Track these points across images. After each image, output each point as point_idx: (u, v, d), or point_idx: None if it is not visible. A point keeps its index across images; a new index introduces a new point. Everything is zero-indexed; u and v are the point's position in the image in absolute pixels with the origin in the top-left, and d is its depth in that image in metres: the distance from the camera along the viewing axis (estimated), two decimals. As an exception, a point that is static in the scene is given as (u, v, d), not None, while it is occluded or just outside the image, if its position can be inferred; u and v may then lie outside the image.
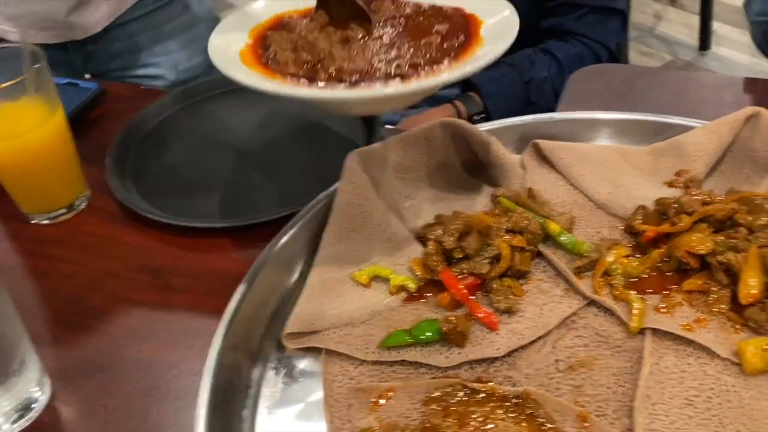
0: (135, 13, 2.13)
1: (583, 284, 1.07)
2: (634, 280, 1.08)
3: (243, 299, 1.05)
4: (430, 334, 1.03)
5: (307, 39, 1.10)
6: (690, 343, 1.00)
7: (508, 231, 1.11)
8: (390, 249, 1.15)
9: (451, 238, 1.10)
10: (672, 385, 0.96)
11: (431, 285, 1.11)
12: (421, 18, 1.18)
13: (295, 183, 1.33)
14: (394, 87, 1.02)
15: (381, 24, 1.15)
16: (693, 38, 4.78)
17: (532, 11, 2.01)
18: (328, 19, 1.15)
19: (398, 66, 1.06)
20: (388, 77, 1.03)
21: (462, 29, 1.14)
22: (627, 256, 1.10)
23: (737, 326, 1.02)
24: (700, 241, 1.05)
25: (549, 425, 0.93)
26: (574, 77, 1.68)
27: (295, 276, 1.15)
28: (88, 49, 2.15)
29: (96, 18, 2.07)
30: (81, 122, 1.56)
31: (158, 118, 1.54)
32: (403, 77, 1.03)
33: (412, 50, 1.09)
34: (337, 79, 1.03)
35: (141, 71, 2.22)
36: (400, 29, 1.15)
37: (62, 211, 1.35)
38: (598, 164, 1.26)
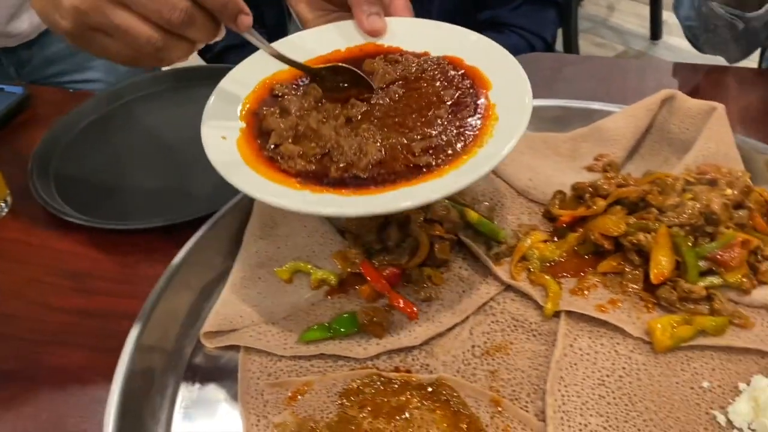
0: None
1: (501, 270, 1.08)
2: (552, 265, 1.09)
3: (158, 301, 1.03)
4: (349, 326, 1.03)
5: (309, 125, 0.99)
6: (604, 324, 1.01)
7: (427, 220, 1.11)
8: (312, 244, 1.15)
9: (371, 230, 1.10)
10: (585, 366, 0.97)
11: (353, 278, 1.11)
12: (422, 82, 1.06)
13: (219, 182, 1.31)
14: (421, 198, 0.90)
15: (380, 93, 1.04)
16: (645, 28, 4.85)
17: (468, 3, 2.01)
18: (322, 92, 1.04)
19: (412, 153, 0.95)
20: (406, 168, 0.94)
21: (470, 95, 1.03)
22: (544, 241, 1.12)
23: (649, 305, 1.03)
24: (614, 224, 1.06)
25: (463, 411, 0.93)
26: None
27: (216, 275, 1.14)
28: (21, 55, 2.11)
29: (32, 25, 2.03)
30: (5, 127, 1.53)
31: (83, 121, 1.51)
32: (421, 168, 0.94)
33: (422, 129, 0.98)
34: (351, 174, 0.94)
35: (78, 76, 2.17)
36: (402, 99, 1.04)
37: (-18, 217, 1.32)
38: (520, 152, 1.27)
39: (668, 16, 4.84)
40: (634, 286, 1.05)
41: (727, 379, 0.95)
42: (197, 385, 1.00)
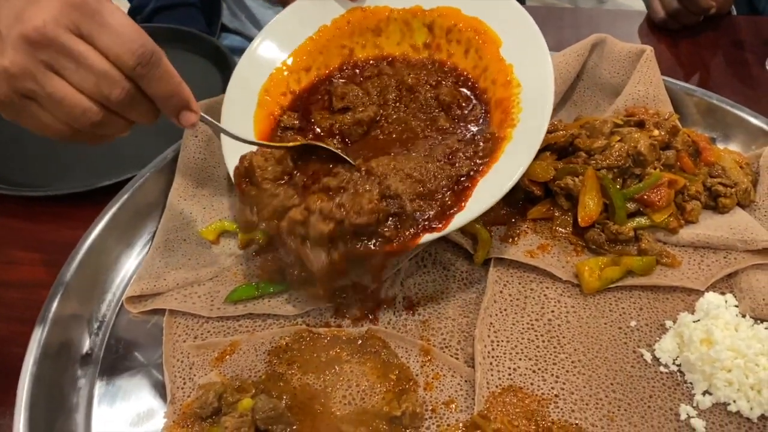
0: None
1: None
2: (482, 213, 1.08)
3: (77, 268, 0.99)
4: (277, 285, 1.01)
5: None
6: (533, 269, 1.01)
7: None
8: (238, 203, 1.11)
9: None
10: (515, 311, 0.96)
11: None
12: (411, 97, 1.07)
13: (143, 143, 1.26)
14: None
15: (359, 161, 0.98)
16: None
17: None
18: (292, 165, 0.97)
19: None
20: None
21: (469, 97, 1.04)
22: (475, 190, 1.10)
23: (578, 249, 1.03)
24: (542, 169, 1.05)
25: (393, 362, 0.92)
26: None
27: (138, 239, 1.10)
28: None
29: None
30: None
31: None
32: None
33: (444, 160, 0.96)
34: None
35: None
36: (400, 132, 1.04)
37: None
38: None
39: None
40: (563, 230, 1.05)
41: (654, 318, 0.96)
42: (120, 352, 0.97)
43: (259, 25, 1.70)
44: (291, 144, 0.97)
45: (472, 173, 0.94)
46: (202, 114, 0.85)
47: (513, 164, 0.91)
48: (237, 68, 1.10)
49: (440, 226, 0.89)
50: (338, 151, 0.98)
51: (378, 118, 1.07)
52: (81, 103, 0.75)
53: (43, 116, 0.77)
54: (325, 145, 0.98)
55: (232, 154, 0.98)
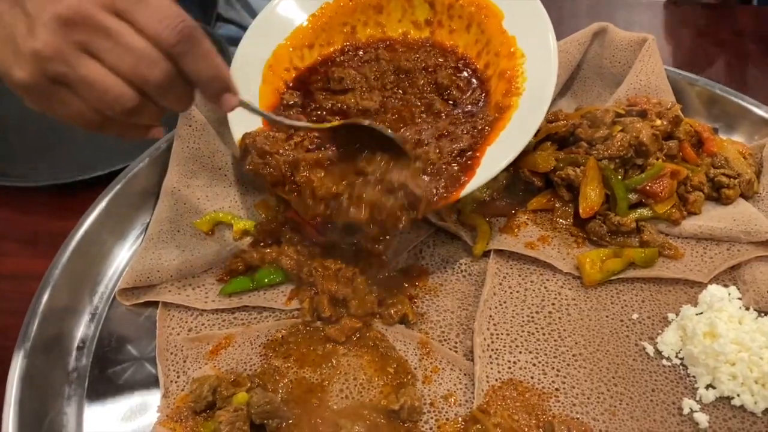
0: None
1: (431, 213, 1.05)
2: (482, 204, 1.06)
3: (68, 260, 0.98)
4: (273, 276, 0.99)
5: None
6: (534, 261, 0.99)
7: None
8: (233, 194, 1.09)
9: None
10: (515, 304, 0.95)
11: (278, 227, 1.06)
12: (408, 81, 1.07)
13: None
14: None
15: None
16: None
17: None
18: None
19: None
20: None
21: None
22: (475, 181, 1.08)
23: (579, 240, 1.01)
24: (543, 159, 1.03)
25: (392, 354, 0.91)
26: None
27: (131, 230, 1.08)
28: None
29: None
30: None
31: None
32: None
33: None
34: None
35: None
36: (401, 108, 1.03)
37: None
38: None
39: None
40: (564, 222, 1.03)
41: (656, 310, 0.94)
42: (112, 345, 0.95)
43: (254, 15, 1.68)
44: (333, 124, 0.93)
45: (477, 145, 0.94)
46: (242, 98, 0.80)
47: (523, 126, 0.92)
48: (240, 45, 1.09)
49: (460, 185, 0.91)
50: (384, 130, 0.90)
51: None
52: (116, 87, 0.70)
53: (73, 103, 0.72)
54: (368, 123, 0.90)
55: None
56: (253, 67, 1.07)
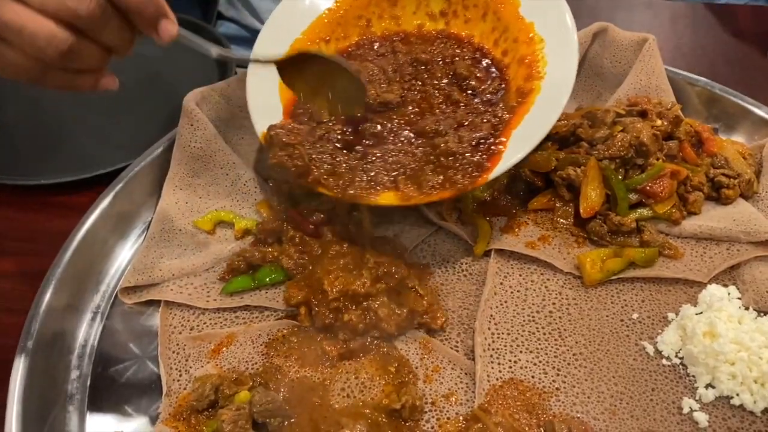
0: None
1: (432, 211, 1.05)
2: (483, 204, 1.06)
3: (69, 259, 0.98)
4: (274, 276, 0.99)
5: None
6: (534, 260, 1.00)
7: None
8: (235, 193, 1.09)
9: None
10: (515, 303, 0.95)
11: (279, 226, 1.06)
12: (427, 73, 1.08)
13: (138, 131, 1.24)
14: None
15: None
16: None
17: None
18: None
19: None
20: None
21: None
22: (475, 180, 1.08)
23: (580, 240, 1.02)
24: (544, 159, 1.04)
25: (393, 353, 0.91)
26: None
27: (132, 229, 1.08)
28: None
29: None
30: None
31: (-10, 73, 1.41)
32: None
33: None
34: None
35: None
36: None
37: None
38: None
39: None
40: (565, 222, 1.03)
41: (656, 310, 0.95)
42: (115, 344, 0.95)
43: (255, 13, 1.67)
44: (283, 58, 1.00)
45: (498, 131, 0.95)
46: (183, 30, 0.78)
47: (548, 107, 0.93)
48: (259, 38, 1.09)
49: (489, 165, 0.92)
50: (336, 59, 0.98)
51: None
52: (45, 28, 0.67)
53: (7, 53, 0.69)
54: (315, 52, 0.98)
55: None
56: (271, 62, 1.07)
